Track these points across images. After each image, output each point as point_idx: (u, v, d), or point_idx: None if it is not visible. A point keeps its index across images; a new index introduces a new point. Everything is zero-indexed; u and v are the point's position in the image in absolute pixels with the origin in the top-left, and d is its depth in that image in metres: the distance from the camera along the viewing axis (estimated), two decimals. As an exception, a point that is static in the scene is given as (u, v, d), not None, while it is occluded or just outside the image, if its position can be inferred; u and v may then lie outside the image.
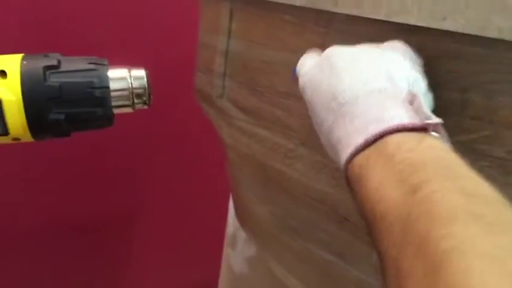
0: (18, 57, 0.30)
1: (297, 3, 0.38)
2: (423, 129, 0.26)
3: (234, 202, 0.61)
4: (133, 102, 0.32)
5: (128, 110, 0.32)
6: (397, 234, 0.22)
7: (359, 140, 0.26)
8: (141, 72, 0.32)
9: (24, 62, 0.29)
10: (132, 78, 0.32)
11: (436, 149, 0.25)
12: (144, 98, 0.32)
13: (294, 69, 0.36)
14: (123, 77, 0.32)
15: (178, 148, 1.01)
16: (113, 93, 0.31)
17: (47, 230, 0.93)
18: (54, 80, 0.29)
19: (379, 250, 0.24)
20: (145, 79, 0.32)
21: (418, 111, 0.27)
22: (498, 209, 0.21)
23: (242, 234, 0.64)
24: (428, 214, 0.21)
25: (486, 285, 0.17)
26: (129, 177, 0.99)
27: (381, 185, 0.24)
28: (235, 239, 0.66)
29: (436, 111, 0.32)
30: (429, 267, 0.19)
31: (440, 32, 0.31)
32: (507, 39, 0.28)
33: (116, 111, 0.31)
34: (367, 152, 0.26)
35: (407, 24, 0.32)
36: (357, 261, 0.42)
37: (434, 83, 0.34)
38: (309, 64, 0.33)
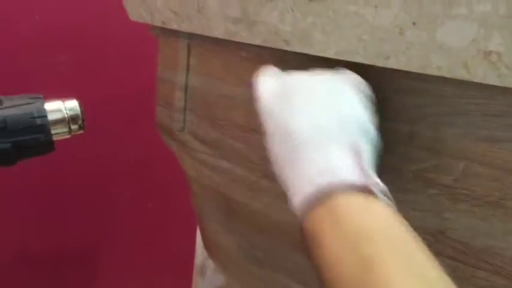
0: None
1: (254, 43, 0.39)
2: (369, 191, 0.27)
3: (201, 232, 0.61)
4: (69, 128, 0.37)
5: (66, 135, 0.37)
6: None
7: (308, 190, 0.27)
8: (73, 103, 0.38)
9: None
10: (66, 108, 0.37)
11: (385, 215, 0.26)
12: (79, 123, 0.38)
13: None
14: (59, 108, 0.37)
15: (144, 179, 1.00)
16: (51, 121, 0.36)
17: (4, 264, 0.90)
18: None
19: None
20: (78, 107, 0.38)
21: (363, 168, 0.28)
22: None
23: (211, 264, 0.64)
24: None
25: None
26: (94, 209, 0.97)
27: (333, 252, 0.25)
28: (204, 268, 0.66)
29: (386, 142, 0.33)
30: None
31: (386, 68, 0.33)
32: (446, 76, 0.30)
33: (55, 137, 0.36)
34: (318, 208, 0.27)
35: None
36: None
37: (385, 116, 0.35)
38: (268, 88, 0.34)
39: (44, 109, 0.35)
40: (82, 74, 0.85)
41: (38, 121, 0.34)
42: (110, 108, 0.90)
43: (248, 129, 0.44)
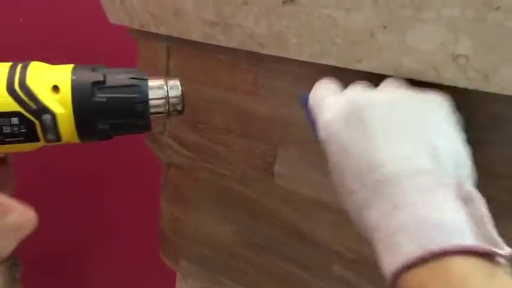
0: (68, 70, 0.33)
1: (229, 45, 0.39)
2: (491, 254, 0.21)
3: (177, 229, 0.60)
4: (168, 110, 0.34)
5: (164, 117, 0.35)
6: None
7: (410, 248, 0.22)
8: (176, 82, 0.35)
9: (74, 77, 0.32)
10: (168, 87, 0.34)
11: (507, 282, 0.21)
12: (179, 107, 0.35)
13: (303, 97, 0.33)
14: (161, 87, 0.34)
15: (133, 182, 1.00)
16: (151, 102, 0.33)
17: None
18: (100, 95, 0.32)
19: None
20: (180, 88, 0.35)
21: (480, 222, 0.22)
22: None
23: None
24: None
25: None
26: (84, 212, 0.97)
27: None
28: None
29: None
30: None
31: (359, 71, 0.33)
32: (416, 79, 0.30)
33: (153, 118, 0.34)
34: (424, 270, 0.21)
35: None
36: (320, 273, 0.43)
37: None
38: (333, 109, 0.28)
39: (147, 94, 0.33)
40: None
41: (139, 107, 0.33)
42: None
43: (228, 132, 0.44)
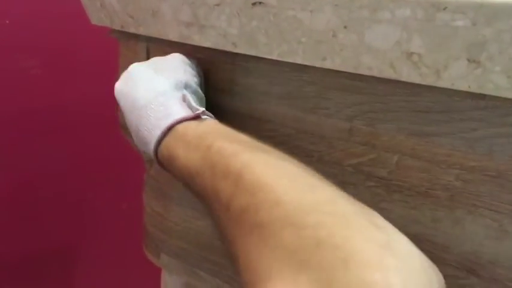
0: None
1: (205, 45, 0.41)
2: (197, 117, 0.36)
3: (158, 224, 0.61)
4: None
5: None
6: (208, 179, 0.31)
7: (157, 132, 0.36)
8: None
9: None
10: None
11: (214, 124, 0.36)
12: None
13: None
14: None
15: (119, 180, 1.01)
16: None
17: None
18: None
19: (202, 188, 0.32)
20: None
21: (190, 106, 0.37)
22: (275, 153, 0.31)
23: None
24: (225, 156, 0.30)
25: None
26: (69, 210, 0.98)
27: (186, 158, 0.33)
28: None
29: (328, 138, 0.36)
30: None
31: (324, 69, 0.35)
32: (377, 76, 0.32)
33: None
34: (166, 139, 0.36)
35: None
36: None
37: (325, 114, 0.38)
38: (120, 79, 0.43)
39: None
40: (53, 77, 0.86)
41: None
42: (82, 110, 0.91)
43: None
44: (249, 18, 0.37)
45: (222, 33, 0.39)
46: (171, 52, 0.47)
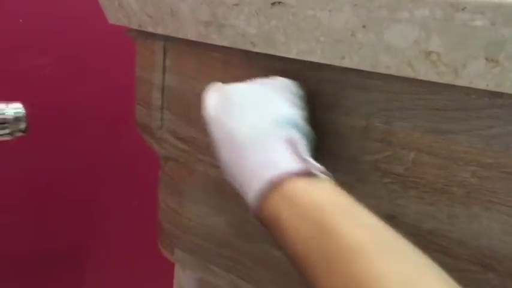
0: None
1: (223, 44, 0.42)
2: (310, 173, 0.31)
3: (173, 220, 0.62)
4: (12, 132, 0.37)
5: (7, 138, 0.37)
6: (321, 268, 0.27)
7: (258, 184, 0.31)
8: (17, 105, 0.38)
9: None
10: (10, 111, 0.37)
11: (329, 189, 0.30)
12: (22, 127, 0.37)
13: None
14: (2, 112, 0.37)
15: (129, 177, 1.02)
16: None
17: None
18: None
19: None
20: (22, 110, 0.37)
21: (298, 154, 0.31)
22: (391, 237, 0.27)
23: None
24: (343, 249, 0.26)
25: None
26: (80, 208, 0.99)
27: (293, 228, 0.29)
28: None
29: (344, 135, 0.36)
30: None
31: (342, 67, 0.36)
32: (394, 74, 0.33)
33: None
34: (269, 195, 0.30)
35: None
36: None
37: (342, 111, 0.38)
38: (211, 101, 0.38)
39: None
40: (67, 75, 0.87)
41: None
42: (95, 108, 0.92)
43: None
44: (268, 18, 0.37)
45: (241, 33, 0.40)
46: (189, 51, 0.48)
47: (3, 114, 0.36)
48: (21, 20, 0.84)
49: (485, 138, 0.32)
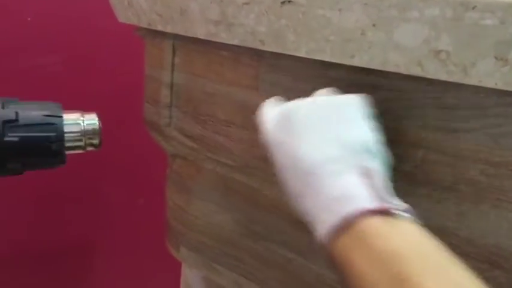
0: None
1: (232, 42, 0.42)
2: (388, 212, 0.27)
3: (181, 218, 0.62)
4: (85, 145, 0.34)
5: (79, 151, 0.35)
6: None
7: (329, 220, 0.28)
8: (92, 116, 0.35)
9: None
10: (85, 122, 0.35)
11: (411, 233, 0.27)
12: (95, 141, 0.35)
13: None
14: (77, 121, 0.34)
15: (135, 175, 1.02)
16: (67, 138, 0.33)
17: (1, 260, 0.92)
18: (12, 134, 0.31)
19: None
20: (97, 122, 0.35)
21: (377, 190, 0.29)
22: None
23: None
24: None
25: None
26: (86, 206, 1.00)
27: (365, 274, 0.26)
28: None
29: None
30: None
31: (350, 66, 0.36)
32: (403, 73, 0.33)
33: (68, 152, 0.34)
34: (343, 237, 0.28)
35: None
36: (315, 257, 0.46)
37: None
38: (271, 118, 0.34)
39: (63, 132, 0.32)
40: (74, 73, 0.88)
41: (54, 146, 0.32)
42: (101, 105, 0.92)
43: (229, 123, 0.47)
44: (277, 17, 0.38)
45: (250, 31, 0.40)
46: (198, 50, 0.48)
47: (79, 125, 0.34)
48: (29, 19, 0.84)
49: (494, 136, 0.33)
